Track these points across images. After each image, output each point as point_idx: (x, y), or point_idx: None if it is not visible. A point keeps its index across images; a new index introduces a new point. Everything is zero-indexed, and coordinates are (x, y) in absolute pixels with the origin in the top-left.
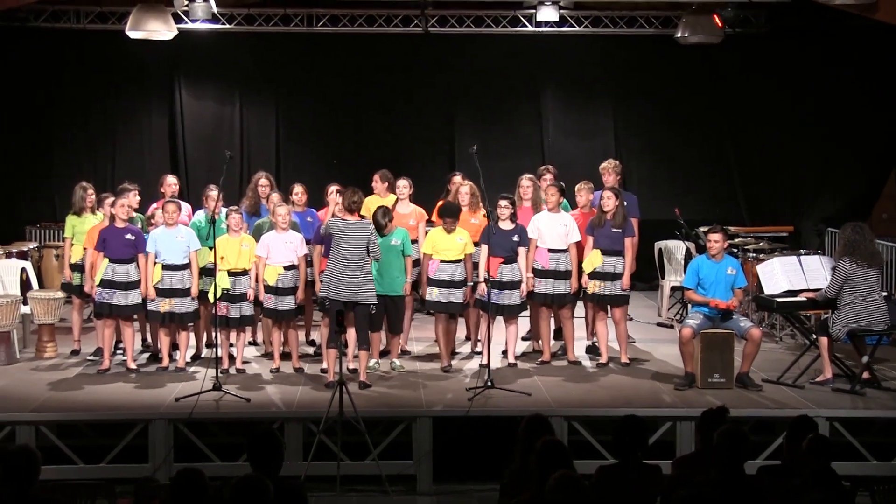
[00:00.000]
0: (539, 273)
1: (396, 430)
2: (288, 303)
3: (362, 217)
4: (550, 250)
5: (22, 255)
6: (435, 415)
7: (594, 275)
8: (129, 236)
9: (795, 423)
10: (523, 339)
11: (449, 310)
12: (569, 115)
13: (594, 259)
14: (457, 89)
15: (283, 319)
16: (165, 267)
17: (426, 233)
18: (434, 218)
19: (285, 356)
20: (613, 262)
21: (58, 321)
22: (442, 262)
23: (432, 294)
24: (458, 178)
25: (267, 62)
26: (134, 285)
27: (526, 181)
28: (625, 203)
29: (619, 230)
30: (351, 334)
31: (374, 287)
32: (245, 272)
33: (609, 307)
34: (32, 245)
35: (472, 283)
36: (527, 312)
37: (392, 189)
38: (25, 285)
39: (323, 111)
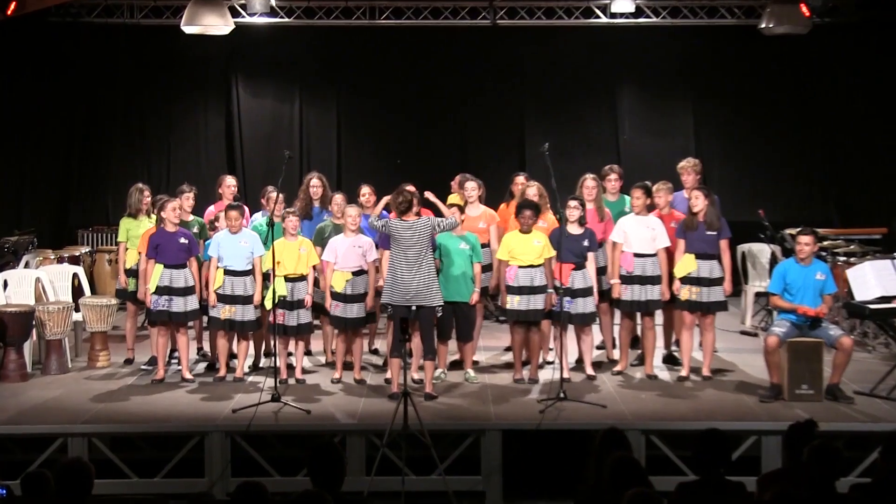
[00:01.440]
0: (625, 279)
1: (464, 443)
2: (357, 310)
3: (418, 215)
4: (636, 254)
5: (74, 260)
6: (505, 428)
7: (687, 280)
8: (182, 240)
9: (891, 437)
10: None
11: (529, 318)
12: (645, 113)
13: (687, 264)
14: (527, 85)
15: (350, 328)
16: (227, 272)
17: (498, 236)
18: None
19: (347, 366)
20: (709, 266)
21: (111, 329)
22: (520, 267)
23: (513, 302)
24: (521, 179)
25: (327, 57)
26: (192, 290)
27: (591, 181)
28: (714, 203)
29: (715, 232)
30: (416, 343)
31: (439, 288)
32: (303, 278)
33: (701, 315)
34: (84, 249)
35: (552, 290)
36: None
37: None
38: (77, 291)
39: (386, 108)
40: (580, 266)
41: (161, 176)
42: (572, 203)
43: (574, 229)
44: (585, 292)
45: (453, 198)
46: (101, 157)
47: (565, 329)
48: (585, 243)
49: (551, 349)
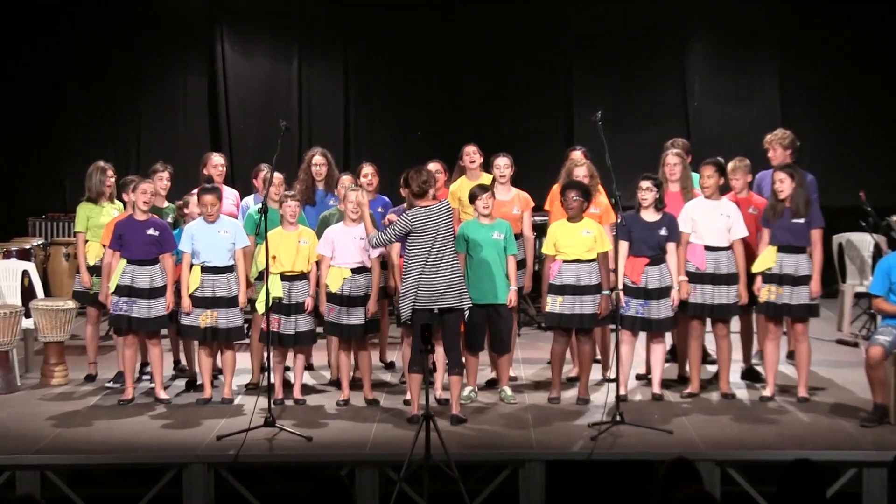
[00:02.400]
0: (693, 277)
1: (499, 477)
2: (357, 315)
3: (436, 199)
4: (708, 248)
5: (24, 255)
6: (549, 458)
7: (768, 278)
8: (151, 231)
9: None
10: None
11: (573, 324)
12: (721, 74)
13: (768, 258)
14: (576, 40)
15: (350, 337)
16: (205, 270)
17: (533, 224)
18: (547, 206)
19: (356, 384)
20: (794, 261)
21: (68, 338)
22: (564, 262)
23: (554, 304)
24: (577, 155)
25: (333, 7)
26: (159, 292)
27: (672, 157)
28: (803, 184)
29: (803, 220)
30: (440, 354)
31: (466, 288)
32: (303, 276)
33: (789, 321)
34: (37, 242)
35: (609, 292)
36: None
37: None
38: (28, 292)
39: (403, 70)
40: (656, 260)
41: (130, 152)
42: (644, 184)
43: (649, 215)
44: (661, 293)
45: (462, 184)
46: (57, 130)
47: (635, 337)
48: (663, 232)
49: (597, 361)
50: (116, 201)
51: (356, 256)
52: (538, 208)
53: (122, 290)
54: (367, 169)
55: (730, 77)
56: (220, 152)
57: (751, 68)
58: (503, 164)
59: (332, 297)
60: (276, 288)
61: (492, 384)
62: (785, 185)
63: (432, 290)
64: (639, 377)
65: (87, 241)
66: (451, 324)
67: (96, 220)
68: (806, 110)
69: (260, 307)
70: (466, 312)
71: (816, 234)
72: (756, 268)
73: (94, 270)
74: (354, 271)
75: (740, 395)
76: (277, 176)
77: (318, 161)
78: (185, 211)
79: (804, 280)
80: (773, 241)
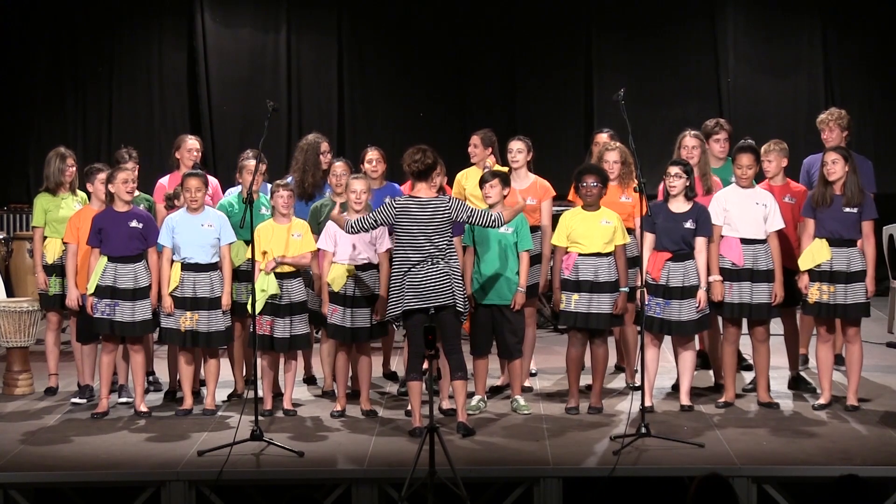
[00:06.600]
0: (729, 274)
1: (512, 495)
2: (363, 318)
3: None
4: (744, 241)
5: None
6: (566, 474)
7: (817, 275)
8: (134, 223)
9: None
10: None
11: (591, 324)
12: (758, 43)
13: (818, 252)
14: (595, 8)
15: (356, 341)
16: (186, 267)
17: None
18: (571, 196)
19: (352, 396)
20: (846, 255)
21: (34, 343)
22: (580, 255)
23: (569, 302)
24: (604, 137)
25: None
26: (143, 293)
27: (691, 139)
28: (856, 170)
29: (855, 209)
30: (444, 360)
31: (461, 283)
32: (297, 273)
33: (840, 322)
34: None
35: (627, 289)
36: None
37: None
38: None
39: (405, 42)
40: (680, 256)
41: (101, 136)
42: (673, 170)
43: (677, 205)
44: (684, 293)
45: (469, 173)
46: (19, 112)
47: (659, 341)
48: (689, 225)
49: (621, 368)
50: (80, 192)
51: (362, 252)
52: (560, 197)
53: (103, 291)
54: (372, 154)
55: (767, 49)
56: (198, 135)
57: (791, 39)
58: (516, 147)
59: (335, 297)
60: (272, 285)
61: (498, 391)
62: (837, 167)
63: (421, 289)
64: (675, 388)
65: (45, 238)
66: (448, 323)
67: (55, 213)
68: (853, 84)
69: (251, 309)
70: (465, 312)
71: (868, 226)
72: (805, 263)
73: (52, 270)
74: (360, 268)
75: (784, 406)
76: (251, 164)
77: (322, 149)
78: (176, 203)
79: (857, 276)
80: (820, 233)
